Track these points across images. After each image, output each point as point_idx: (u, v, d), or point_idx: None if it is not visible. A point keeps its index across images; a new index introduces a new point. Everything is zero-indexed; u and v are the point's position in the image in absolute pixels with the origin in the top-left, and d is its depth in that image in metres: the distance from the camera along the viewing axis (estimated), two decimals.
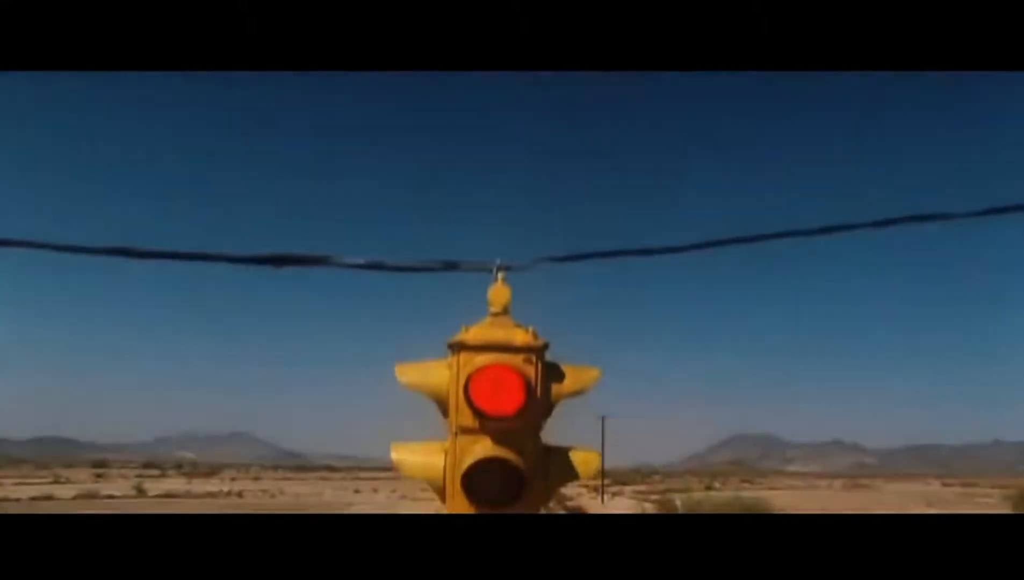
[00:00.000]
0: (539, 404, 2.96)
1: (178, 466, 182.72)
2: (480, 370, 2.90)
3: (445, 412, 3.01)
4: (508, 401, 2.86)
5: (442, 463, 2.98)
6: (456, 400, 2.94)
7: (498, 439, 2.89)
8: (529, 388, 2.89)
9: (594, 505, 60.47)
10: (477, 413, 2.87)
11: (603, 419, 74.67)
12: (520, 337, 3.02)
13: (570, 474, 3.06)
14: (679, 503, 27.38)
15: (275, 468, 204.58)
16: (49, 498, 61.11)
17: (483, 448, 2.88)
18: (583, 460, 3.08)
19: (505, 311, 3.05)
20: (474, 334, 3.03)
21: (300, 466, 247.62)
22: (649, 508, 29.91)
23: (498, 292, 3.06)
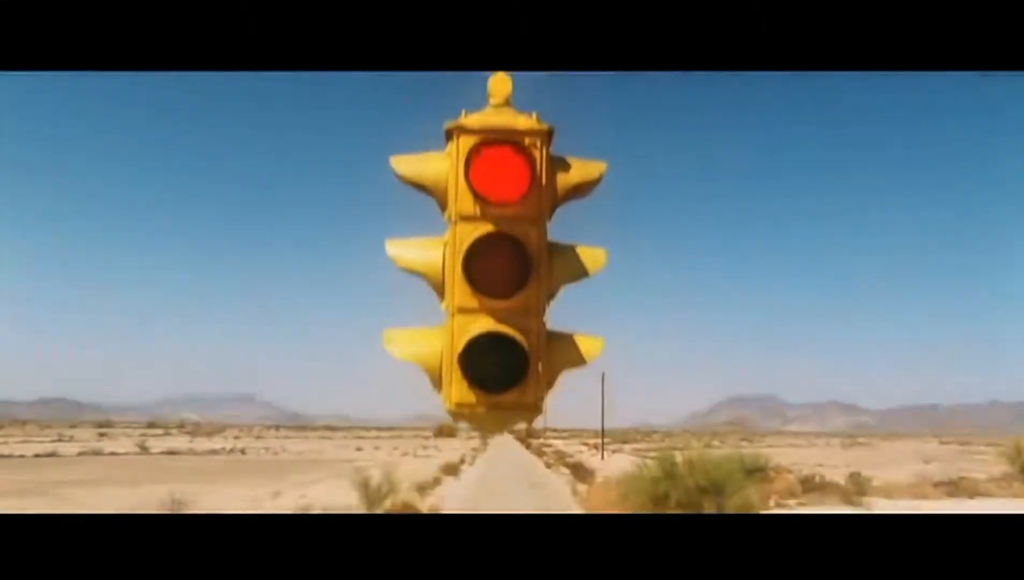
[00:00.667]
0: (544, 193, 2.75)
1: (181, 426, 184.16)
2: (481, 151, 2.68)
3: (444, 206, 2.79)
4: (511, 185, 2.66)
5: (441, 255, 2.77)
6: (455, 187, 2.72)
7: (501, 226, 2.68)
8: (534, 172, 2.67)
9: (594, 462, 61.11)
10: (478, 198, 2.66)
11: (603, 376, 75.32)
12: (523, 122, 2.80)
13: (578, 269, 2.84)
14: (679, 458, 27.30)
15: (277, 428, 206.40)
16: (54, 455, 61.56)
17: (486, 230, 2.66)
18: (591, 257, 2.87)
19: (506, 103, 2.82)
20: (474, 119, 2.82)
21: (302, 426, 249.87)
22: (649, 463, 29.81)
23: (499, 82, 2.82)
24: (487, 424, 2.73)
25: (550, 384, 2.87)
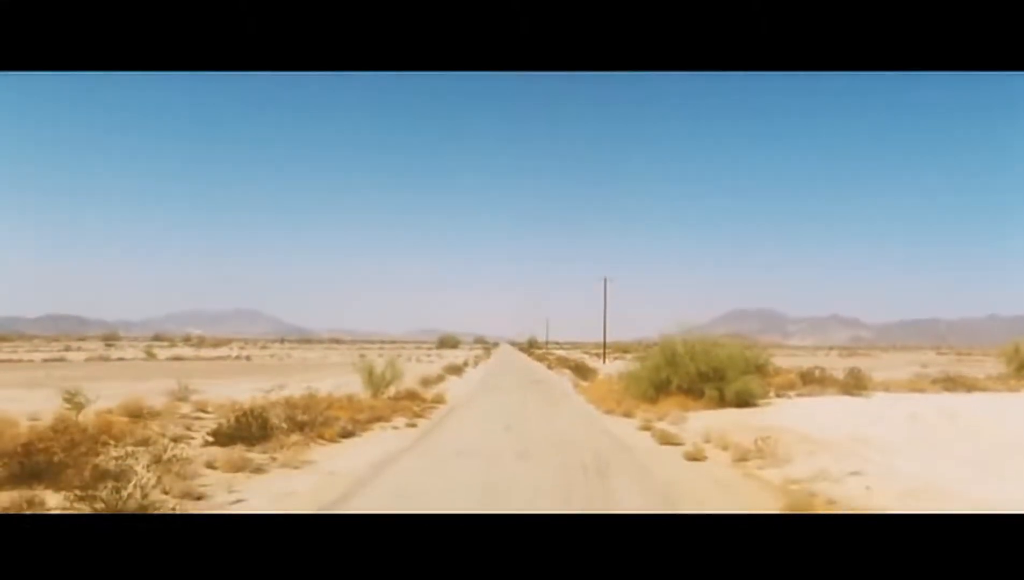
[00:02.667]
0: None
1: (187, 339, 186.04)
2: None
3: None
4: None
5: None
6: None
7: None
8: None
9: (596, 364, 62.12)
10: None
11: (605, 281, 75.81)
12: None
13: None
14: (680, 341, 27.47)
15: (282, 341, 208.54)
16: (62, 360, 62.32)
17: None
18: None
19: None
20: None
21: (307, 339, 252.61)
22: (652, 352, 29.94)
23: None
24: None
25: None
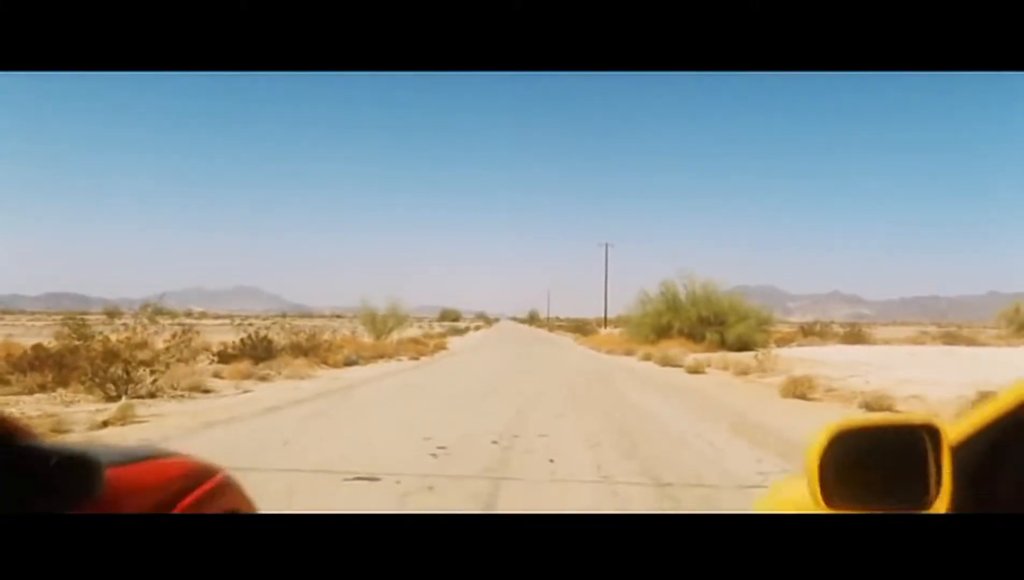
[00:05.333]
0: None
1: (188, 314, 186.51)
2: None
3: None
4: None
5: None
6: None
7: None
8: None
9: (599, 330, 62.41)
10: None
11: (606, 246, 75.87)
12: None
13: None
14: (683, 288, 27.56)
15: (283, 316, 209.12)
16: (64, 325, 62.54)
17: None
18: None
19: None
20: None
21: (308, 314, 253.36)
22: (653, 297, 30.01)
23: None
24: None
25: None
